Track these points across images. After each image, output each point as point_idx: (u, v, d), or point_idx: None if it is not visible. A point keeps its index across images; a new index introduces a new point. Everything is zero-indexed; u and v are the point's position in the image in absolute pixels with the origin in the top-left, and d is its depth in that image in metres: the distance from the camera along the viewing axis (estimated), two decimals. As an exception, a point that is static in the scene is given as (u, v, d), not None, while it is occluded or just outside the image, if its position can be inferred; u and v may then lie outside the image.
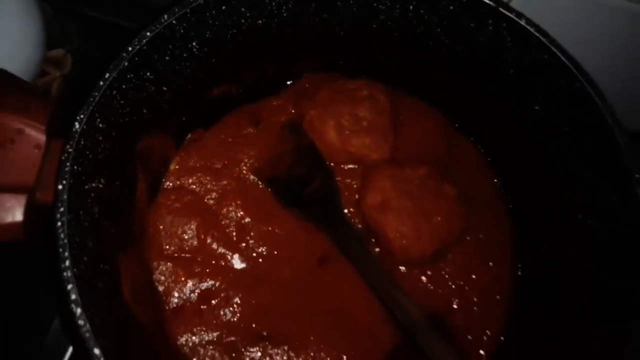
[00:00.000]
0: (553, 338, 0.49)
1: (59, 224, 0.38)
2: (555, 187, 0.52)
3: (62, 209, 0.39)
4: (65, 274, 0.37)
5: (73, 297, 0.37)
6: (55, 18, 0.71)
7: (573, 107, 0.47)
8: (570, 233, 0.50)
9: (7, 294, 0.57)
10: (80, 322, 0.36)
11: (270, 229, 0.56)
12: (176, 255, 0.54)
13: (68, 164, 0.40)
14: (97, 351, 0.36)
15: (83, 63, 0.71)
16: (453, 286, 0.55)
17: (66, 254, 0.38)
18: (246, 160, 0.58)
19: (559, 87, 0.48)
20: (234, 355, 0.51)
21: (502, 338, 0.54)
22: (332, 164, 0.58)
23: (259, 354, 0.52)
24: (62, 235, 0.38)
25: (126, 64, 0.44)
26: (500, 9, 0.48)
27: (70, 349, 0.54)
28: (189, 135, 0.58)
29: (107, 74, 0.43)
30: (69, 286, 0.37)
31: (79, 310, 0.36)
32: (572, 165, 0.49)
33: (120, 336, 0.40)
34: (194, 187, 0.57)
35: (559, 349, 0.47)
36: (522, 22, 0.47)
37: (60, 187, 0.39)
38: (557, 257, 0.51)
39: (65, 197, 0.39)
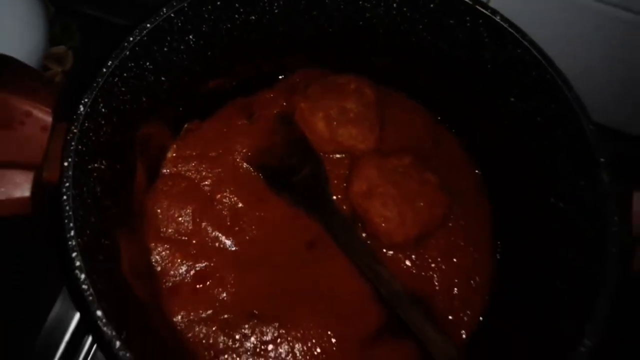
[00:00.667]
0: (529, 318, 0.52)
1: (65, 197, 0.41)
2: (530, 175, 0.55)
3: (67, 184, 0.42)
4: (70, 242, 0.40)
5: (77, 263, 0.40)
6: (57, 16, 0.75)
7: (544, 97, 0.51)
8: (545, 217, 0.53)
9: (17, 267, 0.60)
10: (84, 286, 0.39)
11: (262, 214, 0.59)
12: (173, 237, 0.57)
13: (73, 143, 0.43)
14: (99, 313, 0.38)
15: (83, 59, 0.74)
16: (435, 269, 0.58)
17: (71, 224, 0.41)
18: (240, 149, 0.61)
19: (532, 79, 0.51)
20: (227, 331, 0.54)
21: (481, 318, 0.57)
22: (321, 154, 0.61)
23: (251, 330, 0.54)
24: (67, 208, 0.41)
25: (127, 52, 0.47)
26: (477, 6, 0.51)
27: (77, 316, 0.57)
28: (185, 125, 0.61)
29: (110, 62, 0.46)
30: (74, 254, 0.40)
31: (82, 276, 0.39)
32: (545, 153, 0.52)
33: (120, 305, 0.43)
34: (190, 174, 0.59)
35: (534, 327, 0.50)
36: (497, 19, 0.51)
37: (66, 164, 0.42)
38: (533, 241, 0.55)
39: (70, 173, 0.42)
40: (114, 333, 0.38)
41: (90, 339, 0.59)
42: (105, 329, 0.38)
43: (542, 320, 0.49)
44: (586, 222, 0.47)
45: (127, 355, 0.38)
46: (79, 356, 0.59)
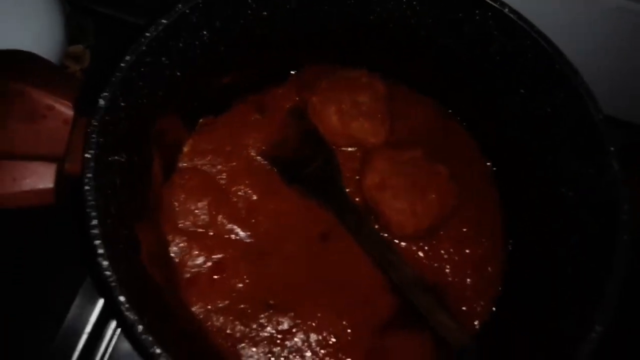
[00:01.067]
0: (541, 306, 0.52)
1: (87, 187, 0.43)
2: (541, 165, 0.55)
3: (89, 175, 0.43)
4: (93, 231, 0.41)
5: (100, 251, 0.41)
6: (73, 15, 0.76)
7: (553, 88, 0.51)
8: (555, 207, 0.53)
9: (39, 258, 0.62)
10: (107, 272, 0.40)
11: (276, 206, 0.60)
12: (190, 229, 0.58)
13: (94, 135, 0.44)
14: (122, 298, 0.40)
15: (99, 58, 0.76)
16: (447, 260, 0.59)
17: (94, 214, 0.42)
18: (254, 143, 0.62)
19: (541, 70, 0.52)
20: (244, 321, 0.55)
21: (493, 309, 0.58)
22: (333, 147, 0.62)
23: (267, 320, 0.55)
24: (89, 198, 0.42)
25: (144, 48, 0.48)
26: (486, -1, 0.52)
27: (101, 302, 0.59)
28: (200, 120, 0.62)
29: (128, 56, 0.47)
30: (97, 242, 0.41)
31: (105, 263, 0.41)
32: (555, 143, 0.53)
33: (140, 292, 0.44)
34: (206, 167, 0.61)
35: (546, 316, 0.51)
36: (506, 11, 0.52)
37: (88, 155, 0.44)
38: (544, 231, 0.55)
39: (92, 164, 0.44)
40: (136, 317, 0.39)
41: (110, 330, 0.61)
42: (128, 313, 0.39)
43: (554, 308, 0.49)
44: (597, 211, 0.48)
45: (150, 339, 0.39)
46: (100, 347, 0.61)
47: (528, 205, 0.58)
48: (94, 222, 0.42)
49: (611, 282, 0.44)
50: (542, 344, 0.48)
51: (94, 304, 0.60)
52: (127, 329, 0.40)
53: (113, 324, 0.61)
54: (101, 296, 0.59)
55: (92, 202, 0.42)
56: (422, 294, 0.49)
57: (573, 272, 0.49)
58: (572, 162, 0.51)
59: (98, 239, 0.41)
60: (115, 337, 0.61)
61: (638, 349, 0.62)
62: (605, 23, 0.61)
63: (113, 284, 0.40)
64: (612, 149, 0.47)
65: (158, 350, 0.39)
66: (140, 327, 0.39)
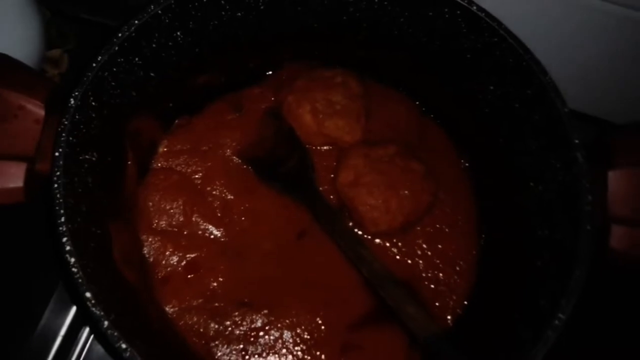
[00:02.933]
0: (511, 299, 0.53)
1: (56, 185, 0.43)
2: (511, 160, 0.56)
3: (58, 173, 0.44)
4: (60, 228, 0.42)
5: (67, 248, 0.41)
6: (53, 20, 0.77)
7: (521, 84, 0.52)
8: (525, 200, 0.54)
9: (13, 261, 0.62)
10: (74, 269, 0.41)
11: (252, 205, 0.61)
12: (164, 229, 0.58)
13: (64, 134, 0.45)
14: (88, 294, 0.40)
15: (79, 62, 0.76)
16: (421, 256, 0.60)
17: (61, 211, 0.42)
18: (230, 143, 0.63)
19: (509, 66, 0.52)
20: (217, 319, 0.55)
21: (466, 302, 0.58)
22: (310, 146, 0.63)
23: (241, 318, 0.56)
24: (57, 195, 0.43)
25: (116, 48, 0.49)
26: (454, -2, 0.53)
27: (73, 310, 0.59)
28: (176, 121, 0.63)
29: (99, 57, 0.48)
30: (64, 239, 0.41)
31: (72, 260, 0.41)
32: (523, 138, 0.54)
33: (110, 289, 0.44)
34: (181, 167, 0.61)
35: (515, 307, 0.51)
36: (474, 9, 0.52)
37: (57, 154, 0.44)
38: (514, 224, 0.56)
39: (61, 162, 0.44)
40: (102, 313, 0.40)
41: (85, 333, 0.61)
42: (93, 309, 0.40)
43: (523, 299, 0.50)
44: (563, 203, 0.49)
45: (115, 334, 0.39)
46: (74, 350, 0.61)
47: (500, 200, 0.59)
48: (62, 219, 0.42)
49: (576, 270, 0.44)
50: (513, 335, 0.49)
51: (68, 306, 0.60)
52: (93, 326, 0.40)
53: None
54: (69, 294, 0.59)
55: (60, 200, 0.43)
56: (391, 288, 0.49)
57: (541, 263, 0.49)
58: (539, 156, 0.52)
59: (65, 236, 0.41)
60: (90, 340, 0.60)
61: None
62: (572, 20, 0.62)
63: (79, 280, 0.40)
64: (576, 141, 0.48)
65: (124, 345, 0.39)
66: (105, 323, 0.39)
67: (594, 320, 0.56)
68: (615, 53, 0.65)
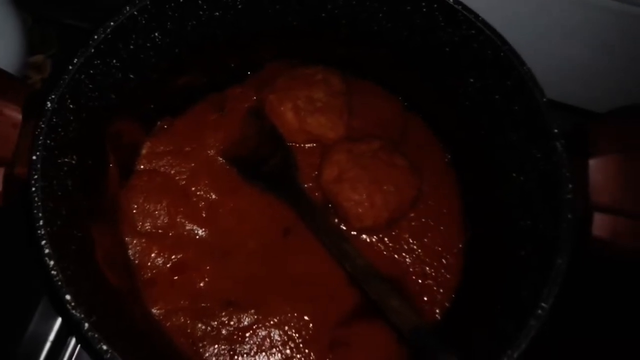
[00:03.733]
0: (497, 290, 0.53)
1: (33, 189, 0.43)
2: (493, 153, 0.56)
3: (36, 176, 0.43)
4: (39, 231, 0.42)
5: (46, 251, 0.41)
6: (35, 26, 0.77)
7: (500, 75, 0.52)
8: (507, 192, 0.54)
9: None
10: (53, 272, 0.40)
11: (237, 205, 0.60)
12: (149, 232, 0.58)
13: (41, 137, 0.45)
14: (67, 297, 0.40)
15: (62, 67, 0.76)
16: (407, 251, 0.59)
17: (39, 214, 0.42)
18: (213, 143, 0.62)
19: (487, 58, 0.52)
20: (204, 319, 0.55)
21: (453, 296, 0.58)
22: (294, 144, 0.63)
23: (228, 318, 0.56)
24: (36, 199, 0.43)
25: (92, 50, 0.49)
26: (430, -9, 0.53)
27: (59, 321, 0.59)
28: (158, 122, 0.63)
29: (75, 59, 0.48)
30: (43, 242, 0.41)
31: (51, 262, 0.41)
32: (504, 129, 0.54)
33: (92, 292, 0.44)
34: (165, 169, 0.61)
35: (500, 298, 0.51)
36: (450, 2, 0.52)
37: (34, 157, 0.44)
38: (498, 216, 0.56)
39: (39, 166, 0.44)
40: (82, 316, 0.39)
41: (73, 342, 0.61)
42: (73, 311, 0.39)
43: (506, 290, 0.50)
44: (543, 193, 0.49)
45: (96, 336, 0.39)
46: (63, 356, 0.60)
47: (483, 193, 0.59)
48: (40, 222, 0.42)
49: (557, 259, 0.44)
50: (497, 326, 0.49)
51: (54, 320, 0.59)
52: (74, 329, 0.40)
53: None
54: (49, 297, 0.59)
55: (39, 204, 0.42)
56: (375, 283, 0.49)
57: (525, 253, 0.49)
58: (520, 147, 0.52)
59: (44, 239, 0.41)
60: (79, 346, 0.60)
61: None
62: (550, 10, 0.62)
63: (59, 283, 0.40)
64: (555, 131, 0.48)
65: (104, 347, 0.39)
66: (86, 325, 0.39)
67: (577, 310, 0.56)
68: (594, 42, 0.65)
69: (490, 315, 0.50)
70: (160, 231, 0.58)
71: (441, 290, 0.58)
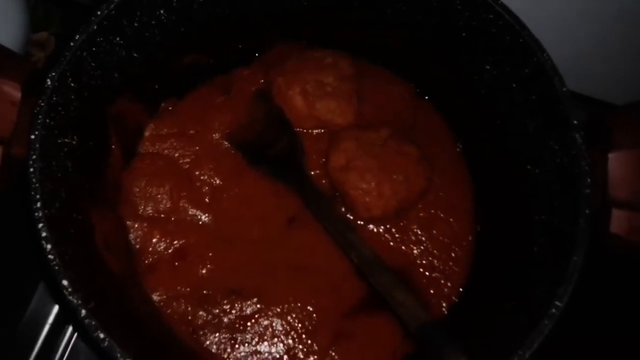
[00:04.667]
0: (508, 286, 0.51)
1: (32, 169, 0.41)
2: (507, 143, 0.54)
3: (34, 156, 0.42)
4: (36, 214, 0.40)
5: (43, 234, 0.40)
6: (39, 3, 0.75)
7: (518, 62, 0.50)
8: (522, 185, 0.52)
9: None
10: (50, 256, 0.39)
11: (241, 190, 0.59)
12: (151, 215, 0.57)
13: (41, 116, 0.43)
14: (65, 282, 0.38)
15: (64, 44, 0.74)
16: (415, 242, 0.58)
17: (37, 196, 0.41)
18: (218, 127, 0.61)
19: (505, 44, 0.50)
20: (206, 307, 0.54)
21: (460, 290, 0.57)
22: (301, 130, 0.61)
23: (230, 306, 0.54)
24: (33, 180, 0.41)
25: (95, 27, 0.47)
26: (448, -27, 0.51)
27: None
28: (162, 104, 0.61)
29: (77, 36, 0.46)
30: (40, 225, 0.40)
31: (48, 246, 0.39)
32: (520, 119, 0.52)
33: (91, 277, 0.43)
34: (168, 152, 0.59)
35: (512, 295, 0.50)
36: (468, -16, 0.50)
37: (33, 137, 0.42)
38: (511, 210, 0.54)
39: (37, 145, 0.42)
40: (79, 302, 0.38)
41: (70, 329, 0.59)
42: (70, 297, 0.38)
43: (519, 286, 0.48)
44: (561, 186, 0.47)
45: (93, 323, 0.38)
46: (58, 348, 0.59)
47: (496, 185, 0.57)
48: (38, 204, 0.40)
49: (574, 256, 0.43)
50: (508, 324, 0.47)
51: (51, 307, 0.58)
52: (71, 316, 0.38)
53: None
54: (46, 283, 0.57)
55: (36, 185, 0.41)
56: (381, 275, 0.48)
57: (538, 249, 0.48)
58: (537, 138, 0.50)
59: (41, 222, 0.40)
60: (74, 338, 0.59)
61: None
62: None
63: (56, 267, 0.39)
64: (575, 122, 0.46)
65: (101, 335, 0.37)
66: (83, 312, 0.38)
67: (591, 309, 0.54)
68: (613, 31, 0.62)
69: (500, 313, 0.49)
70: (162, 216, 0.57)
71: (449, 284, 0.57)
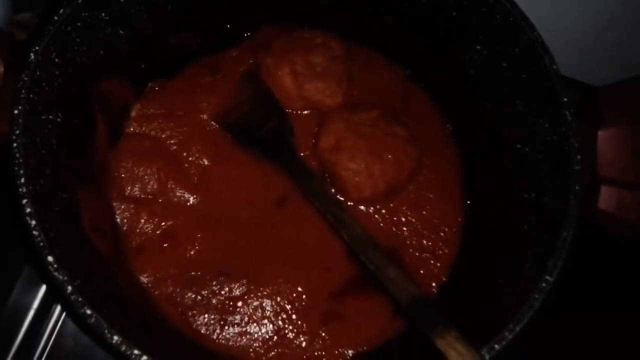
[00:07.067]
0: (498, 264, 0.51)
1: (15, 144, 0.40)
2: (497, 123, 0.54)
3: (17, 132, 0.41)
4: (20, 189, 0.39)
5: (27, 210, 0.39)
6: (21, -17, 0.73)
7: (508, 41, 0.50)
8: (511, 164, 0.52)
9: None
10: (35, 232, 0.38)
11: (230, 172, 0.58)
12: (138, 197, 0.56)
13: (24, 91, 0.42)
14: (50, 259, 0.38)
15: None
16: (405, 223, 0.58)
17: (21, 171, 0.40)
18: (206, 107, 0.60)
19: (495, 23, 0.50)
20: (194, 288, 0.53)
21: (451, 269, 0.57)
22: (290, 111, 0.60)
23: (219, 287, 0.54)
24: (17, 155, 0.40)
25: (80, 1, 0.46)
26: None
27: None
28: (150, 84, 0.60)
29: (62, 10, 0.45)
30: (24, 200, 0.39)
31: (33, 222, 0.38)
32: (510, 98, 0.52)
33: (77, 256, 0.42)
34: (155, 132, 0.59)
35: (502, 272, 0.50)
36: (459, -38, 0.50)
37: (16, 111, 0.41)
38: (501, 188, 0.54)
39: (20, 121, 0.41)
40: (65, 278, 0.37)
41: (57, 311, 0.58)
42: (56, 274, 0.37)
43: (508, 263, 0.48)
44: (551, 164, 0.47)
45: (79, 299, 0.37)
46: (48, 323, 0.58)
47: (486, 165, 0.57)
48: (22, 180, 0.39)
49: (563, 231, 0.43)
50: (499, 300, 0.47)
51: (37, 290, 0.57)
52: (57, 293, 0.38)
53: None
54: (31, 263, 0.56)
55: (20, 160, 0.40)
56: (372, 252, 0.47)
57: (528, 226, 0.48)
58: (527, 116, 0.50)
59: (26, 198, 0.39)
60: (64, 314, 0.58)
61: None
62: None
63: (40, 244, 0.38)
64: (565, 99, 0.46)
65: (88, 311, 0.37)
66: (69, 288, 0.37)
67: (579, 284, 0.54)
68: (601, 12, 0.63)
69: (490, 289, 0.49)
70: (149, 197, 0.56)
71: (438, 264, 0.57)
